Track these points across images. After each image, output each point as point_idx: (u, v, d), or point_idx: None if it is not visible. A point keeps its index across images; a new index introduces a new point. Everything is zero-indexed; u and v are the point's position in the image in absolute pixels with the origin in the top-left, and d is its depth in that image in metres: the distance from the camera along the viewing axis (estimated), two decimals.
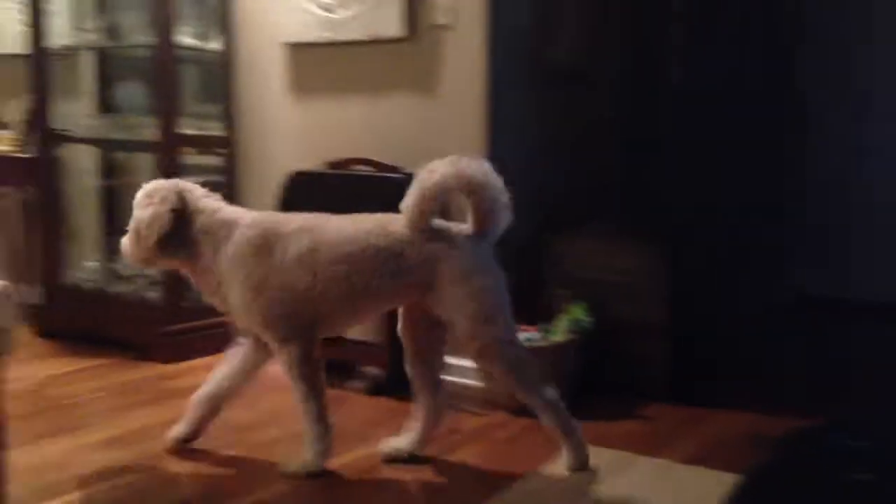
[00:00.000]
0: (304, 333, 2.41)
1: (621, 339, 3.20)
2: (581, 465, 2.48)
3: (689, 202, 3.76)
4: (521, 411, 2.98)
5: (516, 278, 3.42)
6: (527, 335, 3.09)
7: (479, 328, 2.35)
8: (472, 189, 2.33)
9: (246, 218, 2.45)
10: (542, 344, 3.05)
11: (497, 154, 3.31)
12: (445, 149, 3.32)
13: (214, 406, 2.62)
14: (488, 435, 2.83)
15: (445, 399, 2.64)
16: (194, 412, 2.62)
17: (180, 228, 2.41)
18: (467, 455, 2.64)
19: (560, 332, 3.11)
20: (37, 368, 3.46)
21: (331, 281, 2.36)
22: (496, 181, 2.35)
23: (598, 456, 2.54)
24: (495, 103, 3.30)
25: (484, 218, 2.36)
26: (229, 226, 2.42)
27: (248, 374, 2.63)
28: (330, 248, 2.38)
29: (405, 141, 3.44)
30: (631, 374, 3.21)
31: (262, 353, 2.57)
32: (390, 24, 3.38)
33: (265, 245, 2.37)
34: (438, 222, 2.42)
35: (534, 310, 3.31)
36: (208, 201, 2.48)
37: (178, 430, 2.63)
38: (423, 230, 2.37)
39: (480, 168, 2.34)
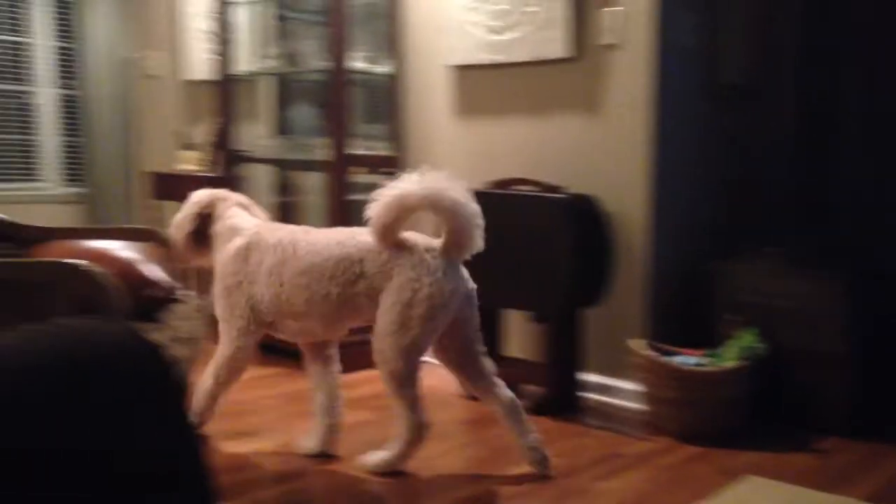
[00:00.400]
0: (254, 336, 2.58)
1: (794, 368, 3.05)
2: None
3: (868, 225, 3.55)
4: (689, 438, 2.90)
5: (683, 302, 3.36)
6: (694, 359, 3.01)
7: (393, 332, 2.42)
8: (437, 208, 2.38)
9: (249, 227, 2.67)
10: (711, 369, 2.95)
11: (662, 175, 3.26)
12: (609, 169, 3.31)
13: (331, 417, 2.77)
14: (651, 461, 2.76)
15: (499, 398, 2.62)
16: (318, 426, 2.77)
17: (205, 230, 2.70)
18: (629, 480, 2.59)
19: (729, 357, 3.00)
20: None
21: (295, 289, 2.52)
22: (464, 202, 2.38)
23: (772, 489, 2.42)
24: (661, 123, 3.24)
25: (449, 236, 2.42)
26: (233, 232, 2.66)
27: (326, 379, 2.79)
28: (297, 260, 2.54)
29: (568, 161, 3.43)
30: (805, 405, 3.05)
31: (321, 360, 2.79)
32: (556, 45, 3.39)
33: (247, 254, 2.60)
34: (410, 235, 2.50)
35: (701, 335, 3.22)
36: (233, 210, 2.73)
37: (307, 444, 2.77)
38: (388, 241, 2.44)
39: (448, 187, 2.38)
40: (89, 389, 0.70)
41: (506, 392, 2.59)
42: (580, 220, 3.12)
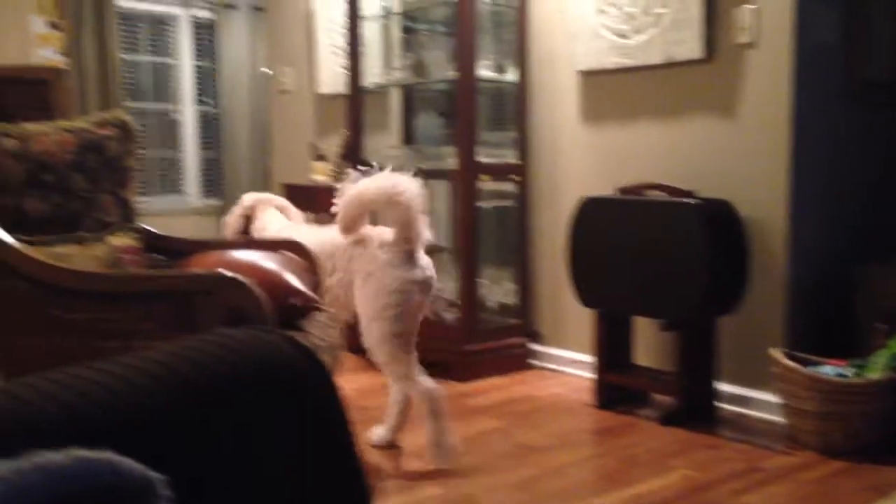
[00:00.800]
0: None
1: None
2: (443, 461, 2.67)
3: None
4: (832, 452, 2.78)
5: (825, 310, 3.22)
6: (837, 370, 2.88)
7: (367, 325, 2.63)
8: (391, 203, 2.57)
9: (273, 228, 3.02)
10: (857, 381, 2.81)
11: (801, 177, 3.13)
12: (745, 172, 3.21)
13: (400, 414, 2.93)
14: (793, 476, 2.66)
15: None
16: (392, 419, 2.92)
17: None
18: (770, 495, 2.50)
19: (877, 368, 2.85)
20: (348, 381, 3.77)
21: None
22: (415, 199, 2.57)
23: None
24: (800, 124, 3.11)
25: (400, 229, 2.60)
26: (261, 232, 3.03)
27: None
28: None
29: (701, 165, 3.35)
30: None
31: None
32: (688, 46, 3.32)
33: None
34: (370, 229, 2.71)
35: (845, 344, 3.08)
36: (269, 212, 3.11)
37: (379, 434, 2.93)
38: (351, 235, 2.67)
39: (401, 184, 2.55)
40: (260, 398, 0.73)
41: (429, 381, 2.70)
42: (715, 225, 3.04)
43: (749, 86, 3.20)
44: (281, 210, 3.17)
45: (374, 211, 2.94)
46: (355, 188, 2.62)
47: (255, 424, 0.72)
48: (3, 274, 1.90)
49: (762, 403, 3.19)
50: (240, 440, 0.70)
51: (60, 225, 2.27)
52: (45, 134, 2.29)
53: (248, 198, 3.20)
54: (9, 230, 2.00)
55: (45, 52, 6.34)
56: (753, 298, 3.19)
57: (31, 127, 2.32)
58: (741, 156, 3.24)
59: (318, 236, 2.81)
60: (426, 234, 2.65)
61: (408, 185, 2.58)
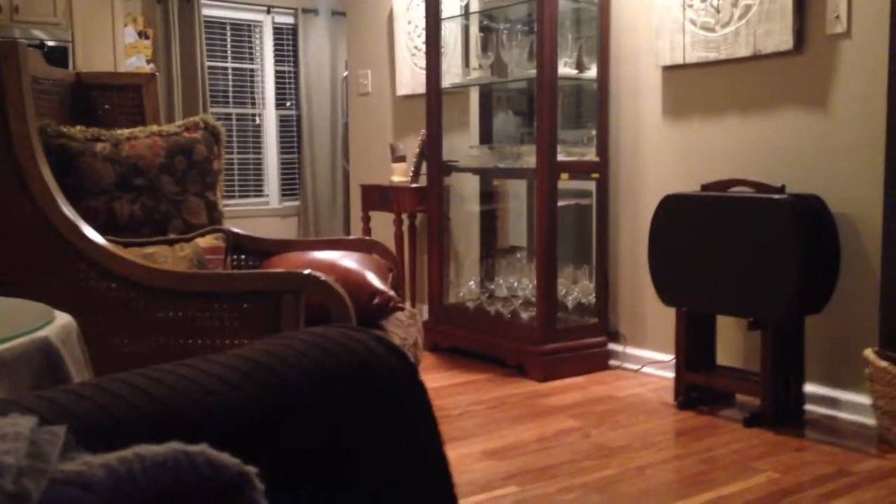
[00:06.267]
0: None
1: None
2: None
3: None
4: None
5: None
6: None
7: None
8: None
9: None
10: None
11: None
12: (838, 168, 3.11)
13: None
14: (887, 480, 2.57)
15: None
16: None
17: None
18: (862, 500, 2.42)
19: None
20: (425, 379, 3.79)
21: None
22: None
23: None
24: None
25: None
26: None
27: None
28: None
29: (791, 161, 3.26)
30: None
31: None
32: (777, 37, 3.23)
33: None
34: None
35: None
36: None
37: None
38: None
39: None
40: (353, 396, 0.75)
41: None
42: (806, 221, 2.96)
43: (842, 78, 3.10)
44: None
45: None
46: None
47: (347, 422, 0.73)
48: (95, 274, 1.97)
49: (852, 405, 3.09)
50: (333, 437, 0.72)
51: (150, 226, 2.35)
52: (136, 138, 2.37)
53: None
54: (101, 232, 2.07)
55: (134, 60, 6.56)
56: (844, 297, 3.09)
57: (122, 131, 2.40)
58: (833, 151, 3.14)
59: None
60: None
61: None
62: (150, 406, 0.68)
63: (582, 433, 3.02)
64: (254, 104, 7.58)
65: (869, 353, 2.88)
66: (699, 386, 3.32)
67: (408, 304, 2.99)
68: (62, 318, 1.43)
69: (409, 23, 5.00)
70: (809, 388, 3.18)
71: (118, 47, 6.21)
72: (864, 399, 2.99)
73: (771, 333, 3.04)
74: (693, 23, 3.53)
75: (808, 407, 3.17)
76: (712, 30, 3.46)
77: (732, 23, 3.39)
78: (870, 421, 2.95)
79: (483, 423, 3.21)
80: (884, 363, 2.80)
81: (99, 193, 2.33)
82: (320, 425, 0.72)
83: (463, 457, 2.82)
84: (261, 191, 7.68)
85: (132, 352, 1.91)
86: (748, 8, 3.33)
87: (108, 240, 2.04)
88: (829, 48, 3.13)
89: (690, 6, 3.53)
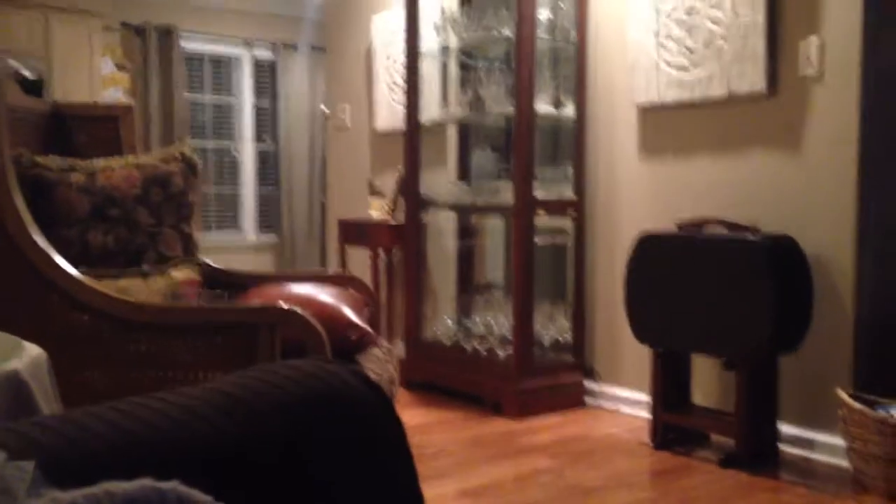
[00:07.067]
0: None
1: None
2: None
3: None
4: None
5: (893, 350, 3.12)
6: None
7: None
8: None
9: None
10: None
11: (869, 215, 3.06)
12: (810, 208, 3.15)
13: None
14: None
15: None
16: None
17: None
18: None
19: None
20: (403, 417, 3.76)
21: None
22: None
23: None
24: (870, 159, 3.04)
25: None
26: None
27: None
28: None
29: (763, 201, 3.30)
30: None
31: None
32: (750, 79, 3.28)
33: None
34: None
35: None
36: None
37: None
38: None
39: None
40: (325, 428, 0.73)
41: None
42: (780, 262, 2.98)
43: (815, 120, 3.15)
44: None
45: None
46: None
47: (320, 454, 0.72)
48: (67, 305, 1.94)
49: (826, 446, 3.09)
50: (307, 469, 0.70)
51: (124, 258, 2.33)
52: (111, 168, 2.35)
53: None
54: (74, 263, 2.04)
55: (112, 91, 6.54)
56: (818, 337, 3.11)
57: (98, 162, 2.39)
58: (805, 192, 3.18)
59: None
60: None
61: None
62: (121, 439, 0.67)
63: (557, 473, 3.00)
64: (231, 137, 7.57)
65: (841, 393, 2.89)
66: (675, 426, 3.31)
67: (384, 340, 2.96)
68: (32, 350, 1.40)
69: (388, 58, 5.03)
70: (785, 428, 3.18)
71: (95, 79, 6.20)
72: (838, 440, 2.99)
73: (746, 373, 3.04)
74: (668, 63, 3.58)
75: (784, 447, 3.17)
76: (686, 70, 3.51)
77: (705, 64, 3.44)
78: (844, 463, 2.96)
79: (459, 462, 3.18)
80: (858, 405, 2.82)
81: (73, 224, 2.31)
82: (294, 457, 0.70)
83: (439, 497, 2.78)
84: (237, 224, 7.65)
85: (104, 385, 1.88)
86: (721, 50, 3.38)
87: (81, 272, 2.01)
88: (801, 91, 3.18)
89: (663, 47, 3.58)
